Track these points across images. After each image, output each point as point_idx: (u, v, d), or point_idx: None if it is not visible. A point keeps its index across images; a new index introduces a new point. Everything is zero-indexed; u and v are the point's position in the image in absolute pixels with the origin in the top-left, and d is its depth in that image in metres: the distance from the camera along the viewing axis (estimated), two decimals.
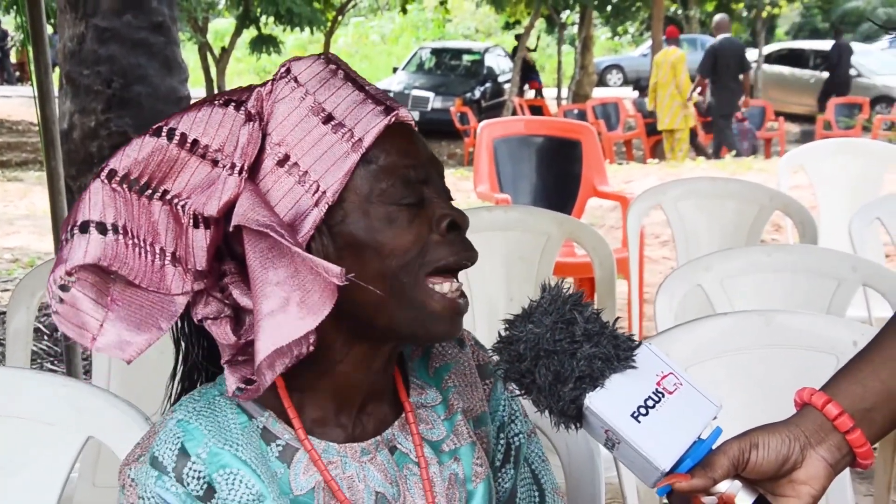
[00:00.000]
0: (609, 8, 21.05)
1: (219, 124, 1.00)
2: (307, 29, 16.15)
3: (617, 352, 0.97)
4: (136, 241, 0.98)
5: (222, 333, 1.01)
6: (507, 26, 23.79)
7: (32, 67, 3.60)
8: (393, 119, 1.01)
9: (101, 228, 0.97)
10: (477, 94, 18.66)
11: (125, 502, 1.01)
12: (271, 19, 15.76)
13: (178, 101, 4.81)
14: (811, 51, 19.23)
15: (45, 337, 4.63)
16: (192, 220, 0.98)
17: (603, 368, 0.97)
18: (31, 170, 12.31)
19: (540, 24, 23.29)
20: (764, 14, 21.42)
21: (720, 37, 12.28)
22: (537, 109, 15.90)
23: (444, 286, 1.01)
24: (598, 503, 1.45)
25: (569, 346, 0.96)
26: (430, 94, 17.97)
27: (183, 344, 1.09)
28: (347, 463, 1.05)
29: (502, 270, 2.73)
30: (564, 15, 21.10)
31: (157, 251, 0.99)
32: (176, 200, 0.99)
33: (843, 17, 26.83)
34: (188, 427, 1.01)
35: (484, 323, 2.64)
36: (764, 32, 20.97)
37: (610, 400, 0.96)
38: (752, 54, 20.16)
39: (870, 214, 2.92)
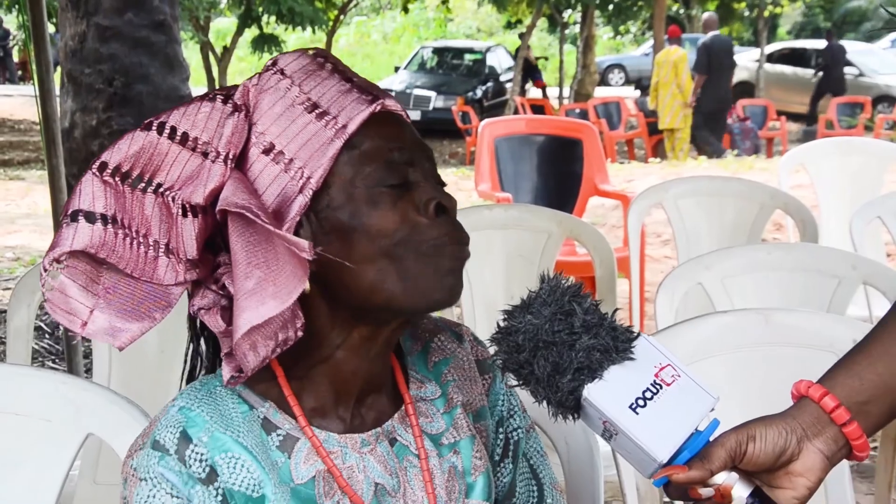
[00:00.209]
0: (611, 7, 21.06)
1: (207, 117, 1.01)
2: (309, 28, 16.15)
3: (615, 343, 0.98)
4: (127, 231, 1.00)
5: (213, 322, 1.03)
6: (509, 25, 23.80)
7: (34, 66, 3.60)
8: (378, 107, 1.03)
9: (90, 217, 0.98)
10: (479, 93, 18.66)
11: (127, 494, 1.01)
12: (273, 18, 15.77)
13: (179, 100, 4.82)
14: (813, 50, 19.20)
15: (47, 335, 4.64)
16: (181, 210, 1.00)
17: (601, 360, 0.97)
18: (33, 168, 12.32)
19: (542, 23, 23.29)
20: (766, 13, 21.41)
21: (710, 34, 12.27)
22: (539, 108, 15.90)
23: (439, 259, 1.01)
24: (598, 501, 1.45)
25: (567, 337, 0.97)
26: (432, 94, 17.98)
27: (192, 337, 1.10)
28: (347, 453, 1.05)
29: (503, 269, 2.73)
30: (566, 14, 21.09)
31: (151, 243, 1.01)
32: (167, 192, 1.01)
33: (846, 17, 26.82)
34: (190, 414, 1.02)
35: (484, 321, 2.64)
36: (766, 32, 20.95)
37: (608, 391, 0.97)
38: (754, 53, 20.19)
39: (870, 213, 2.92)
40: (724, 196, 3.23)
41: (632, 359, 0.98)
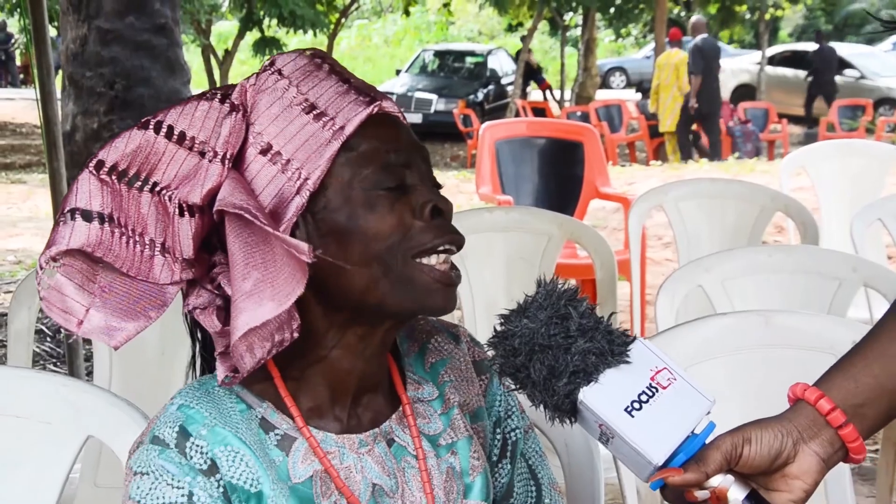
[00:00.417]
0: (612, 10, 21.06)
1: (204, 116, 1.01)
2: (310, 31, 16.17)
3: (611, 347, 0.98)
4: (123, 230, 1.00)
5: (209, 322, 1.03)
6: (510, 28, 23.81)
7: (35, 69, 3.60)
8: (376, 109, 1.03)
9: (86, 216, 0.99)
10: (480, 96, 18.67)
11: (129, 494, 1.00)
12: (274, 22, 15.78)
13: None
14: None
15: (48, 338, 4.64)
16: (177, 209, 1.00)
17: (597, 363, 0.97)
18: (34, 172, 12.32)
19: (543, 26, 23.29)
20: (767, 16, 21.41)
21: (699, 37, 12.29)
22: (540, 111, 15.91)
23: (432, 258, 1.02)
24: None
25: (563, 340, 0.97)
26: (434, 97, 17.99)
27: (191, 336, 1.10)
28: (345, 453, 1.06)
29: (503, 271, 2.74)
30: (567, 17, 21.10)
31: (147, 242, 1.01)
32: (164, 191, 1.01)
33: (847, 19, 26.83)
34: (189, 411, 1.02)
35: (484, 323, 2.64)
36: (767, 34, 20.96)
37: (604, 394, 0.97)
38: (755, 56, 20.19)
39: (871, 215, 2.92)
40: (725, 198, 3.23)
41: (627, 362, 0.98)
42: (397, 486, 1.07)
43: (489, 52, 20.81)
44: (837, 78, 17.64)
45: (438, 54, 21.00)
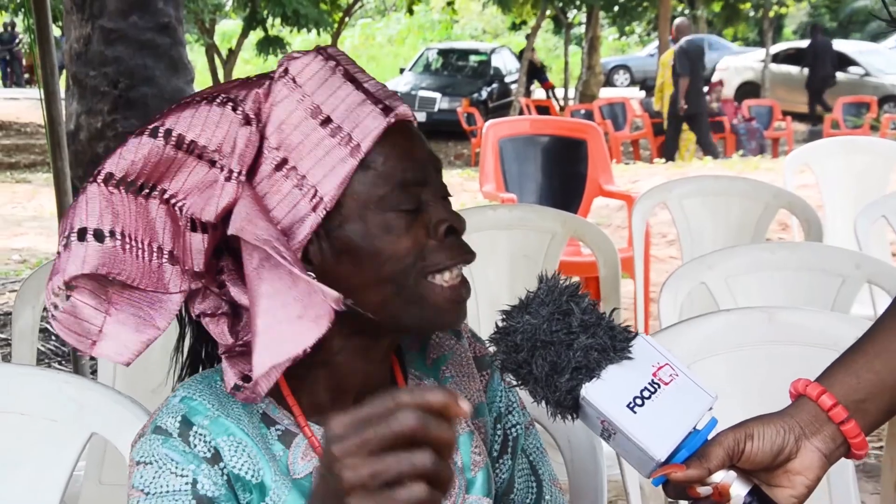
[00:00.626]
0: (616, 8, 21.04)
1: (216, 124, 0.99)
2: (314, 30, 16.17)
3: (613, 343, 0.98)
4: (132, 242, 0.98)
5: (220, 333, 1.02)
6: (514, 27, 23.78)
7: (38, 69, 3.61)
8: (392, 120, 1.01)
9: (99, 235, 0.97)
10: (484, 94, 18.66)
11: (132, 483, 1.00)
12: (278, 21, 15.78)
13: None
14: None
15: (53, 337, 4.65)
16: (189, 224, 0.99)
17: (599, 359, 0.97)
18: (39, 171, 12.34)
19: (547, 24, 23.28)
20: (771, 13, 21.37)
21: (684, 39, 12.29)
22: (544, 109, 15.90)
23: (444, 275, 1.01)
24: (601, 500, 1.45)
25: (565, 336, 0.97)
26: (437, 95, 17.98)
27: (187, 330, 1.10)
28: None
29: (506, 269, 2.74)
30: (571, 15, 21.08)
31: (155, 249, 0.99)
32: (173, 200, 0.99)
33: (851, 16, 26.77)
34: (191, 403, 1.02)
35: (488, 321, 2.64)
36: (771, 32, 20.92)
37: (606, 391, 0.97)
38: (759, 54, 20.15)
39: (875, 212, 2.92)
40: (729, 196, 3.23)
41: (629, 358, 0.98)
42: None
43: (493, 51, 20.80)
44: (841, 75, 17.62)
45: (442, 53, 21.00)
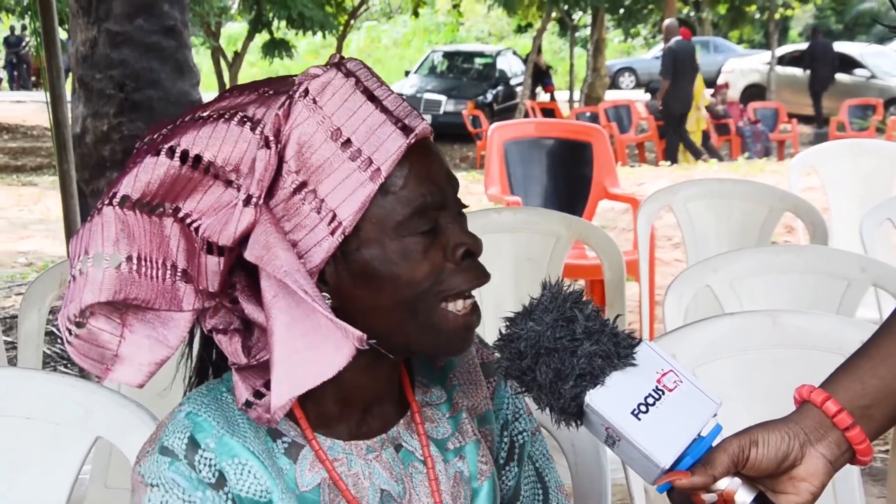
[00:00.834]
0: (621, 10, 21.04)
1: (234, 144, 0.97)
2: (319, 33, 16.20)
3: (617, 349, 0.97)
4: (147, 264, 0.97)
5: (233, 352, 1.01)
6: (520, 29, 23.80)
7: (44, 72, 3.62)
8: (412, 141, 1.00)
9: (115, 262, 0.96)
10: (489, 97, 18.68)
11: (137, 500, 1.00)
12: (283, 23, 15.81)
13: (189, 105, 4.81)
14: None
15: (59, 340, 4.66)
16: (205, 246, 0.98)
17: (603, 366, 0.97)
18: (45, 174, 12.37)
19: (552, 26, 23.29)
20: (777, 16, 21.37)
21: (673, 40, 12.30)
22: (549, 112, 15.91)
23: (458, 303, 1.02)
24: None
25: (569, 343, 0.97)
26: (443, 98, 18.00)
27: (195, 339, 1.09)
28: (353, 460, 1.06)
29: (511, 272, 2.74)
30: (576, 17, 21.09)
31: (169, 267, 0.98)
32: (188, 219, 0.98)
33: (857, 19, 26.74)
34: (197, 419, 1.01)
35: (492, 324, 2.63)
36: (776, 34, 20.91)
37: (610, 397, 0.97)
38: (764, 56, 20.14)
39: (881, 215, 2.91)
40: (733, 199, 3.23)
41: (633, 365, 0.98)
42: (405, 491, 1.07)
43: (498, 53, 20.81)
44: (847, 77, 17.59)
45: (447, 55, 21.01)
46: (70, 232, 4.18)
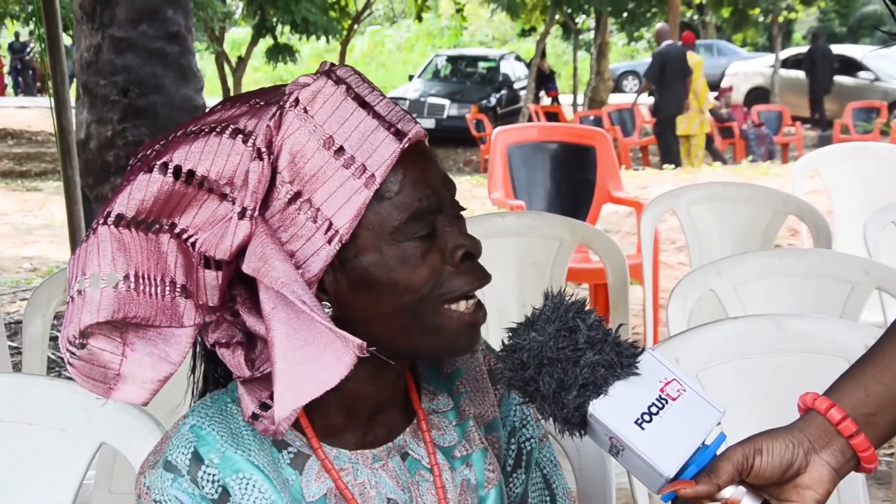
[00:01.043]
0: (625, 14, 21.05)
1: (226, 158, 0.97)
2: (323, 38, 16.22)
3: (620, 359, 0.97)
4: (145, 282, 0.97)
5: (237, 365, 1.01)
6: (523, 33, 23.81)
7: (48, 78, 3.64)
8: (406, 145, 1.00)
9: (112, 280, 0.95)
10: (493, 101, 18.69)
11: None
12: (287, 28, 15.83)
13: (193, 110, 4.85)
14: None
15: None
16: (202, 261, 0.97)
17: (606, 376, 0.96)
18: (50, 180, 12.39)
19: (556, 30, 23.30)
20: (780, 19, 21.36)
21: (664, 43, 12.33)
22: (553, 116, 15.91)
23: (460, 304, 1.01)
24: None
25: (572, 353, 0.96)
26: (446, 102, 18.01)
27: (198, 349, 1.09)
28: (359, 470, 1.05)
29: (514, 276, 2.74)
30: (580, 21, 21.10)
31: (168, 283, 0.98)
32: (184, 235, 0.98)
33: (861, 21, 26.72)
34: (201, 432, 1.02)
35: (496, 329, 2.63)
36: (780, 37, 20.90)
37: (613, 407, 0.96)
38: (768, 59, 20.13)
39: (884, 218, 2.91)
40: (737, 202, 3.22)
41: (636, 374, 0.98)
42: (412, 500, 1.07)
43: (501, 57, 20.82)
44: (851, 80, 17.58)
45: (451, 59, 21.02)
46: (74, 237, 4.18)
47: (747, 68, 20.05)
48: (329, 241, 0.97)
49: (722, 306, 2.18)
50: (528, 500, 1.18)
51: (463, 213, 1.06)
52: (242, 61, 16.48)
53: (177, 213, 0.98)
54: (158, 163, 0.97)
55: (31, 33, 22.63)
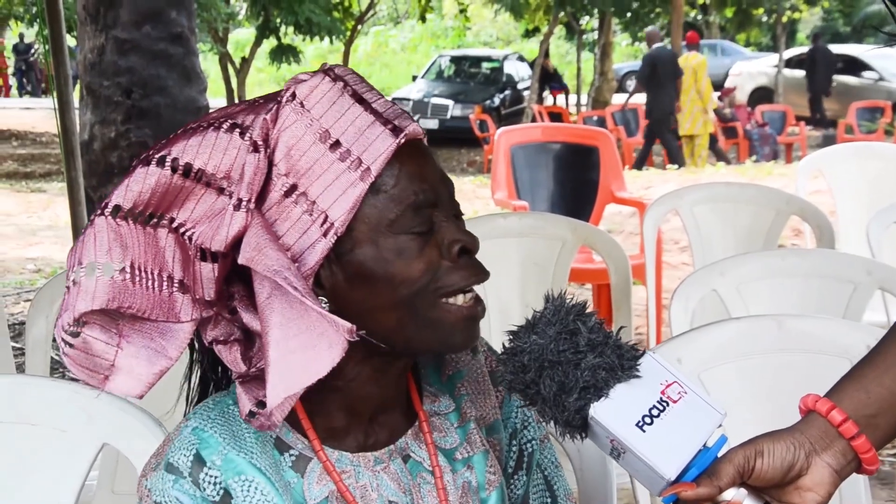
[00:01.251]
0: (628, 14, 21.04)
1: (223, 151, 0.98)
2: (327, 38, 16.24)
3: (621, 361, 0.97)
4: (142, 274, 0.97)
5: (233, 361, 1.01)
6: (527, 34, 23.81)
7: (52, 79, 3.64)
8: (402, 140, 1.00)
9: (108, 270, 0.96)
10: (496, 101, 18.69)
11: None
12: (291, 29, 15.85)
13: (196, 111, 4.86)
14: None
15: None
16: (199, 254, 0.98)
17: (607, 378, 0.96)
18: (54, 181, 12.41)
19: (559, 30, 23.29)
20: (784, 18, 21.33)
21: (654, 46, 12.35)
22: (557, 116, 15.91)
23: (458, 298, 1.01)
24: None
25: (573, 356, 0.96)
26: (450, 102, 18.02)
27: (196, 352, 1.09)
28: (360, 472, 1.05)
29: (517, 277, 2.74)
30: (583, 21, 21.09)
31: (165, 279, 0.99)
32: (182, 229, 0.98)
33: (865, 21, 26.67)
34: (203, 435, 1.02)
35: (499, 330, 2.64)
36: (784, 37, 20.88)
37: (614, 410, 0.96)
38: (772, 59, 20.10)
39: (888, 218, 2.91)
40: (740, 202, 3.22)
41: (637, 376, 0.97)
42: (413, 502, 1.07)
43: (505, 58, 20.82)
44: (855, 80, 17.56)
45: (455, 60, 21.03)
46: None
47: (751, 68, 20.03)
48: (325, 234, 0.97)
49: (725, 306, 2.18)
50: (529, 502, 1.18)
51: (462, 216, 1.06)
52: (246, 62, 16.49)
53: (175, 208, 0.98)
54: (156, 156, 0.98)
55: (35, 34, 22.68)
